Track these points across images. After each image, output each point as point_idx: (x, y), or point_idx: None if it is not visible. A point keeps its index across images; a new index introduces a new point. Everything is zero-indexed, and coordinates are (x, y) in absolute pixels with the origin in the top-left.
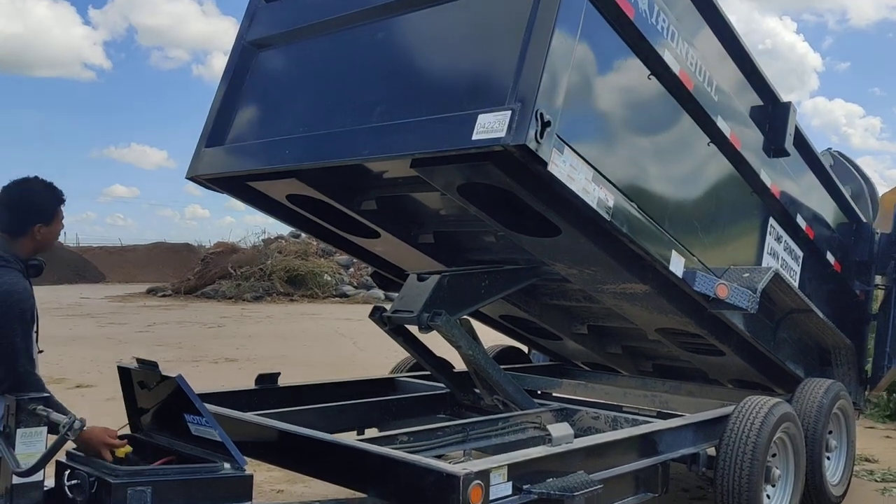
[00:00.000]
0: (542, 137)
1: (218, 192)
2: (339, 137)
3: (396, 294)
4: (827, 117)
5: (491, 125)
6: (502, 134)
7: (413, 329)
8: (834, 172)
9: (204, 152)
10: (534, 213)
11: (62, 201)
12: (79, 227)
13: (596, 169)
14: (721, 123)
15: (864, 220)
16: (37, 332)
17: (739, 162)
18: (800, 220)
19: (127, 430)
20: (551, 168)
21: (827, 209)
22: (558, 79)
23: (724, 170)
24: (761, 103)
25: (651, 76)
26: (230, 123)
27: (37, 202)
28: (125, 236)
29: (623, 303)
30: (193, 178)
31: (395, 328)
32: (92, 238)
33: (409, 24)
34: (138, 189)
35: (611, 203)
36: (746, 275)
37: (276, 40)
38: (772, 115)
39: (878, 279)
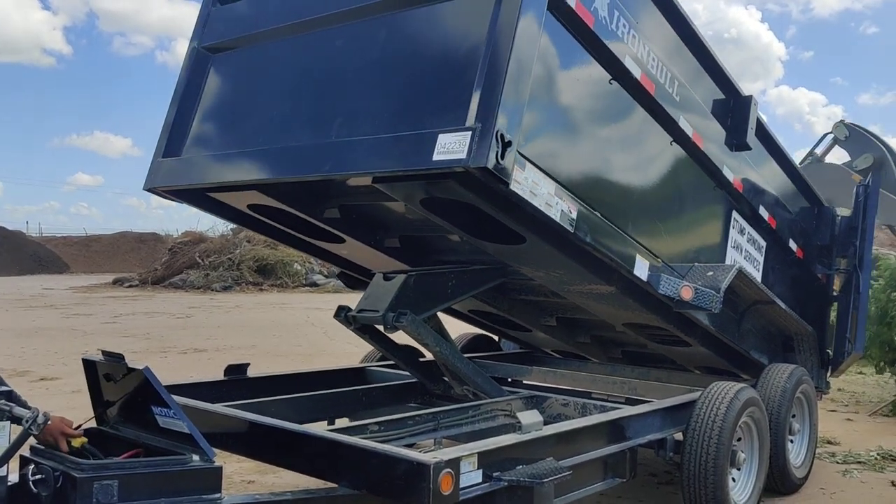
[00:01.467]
0: (503, 158)
1: (177, 202)
2: (299, 153)
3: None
4: (791, 105)
5: (451, 146)
6: (462, 156)
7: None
8: (851, 144)
9: (161, 163)
10: (498, 222)
11: None
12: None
13: (558, 182)
14: (683, 123)
15: (825, 204)
16: None
17: (702, 159)
18: (762, 211)
19: (93, 424)
20: (513, 186)
21: (789, 196)
22: (519, 95)
23: (687, 168)
24: (723, 97)
25: (612, 81)
26: (187, 133)
27: None
28: (90, 226)
29: (590, 301)
30: (151, 189)
31: (360, 327)
32: (55, 228)
33: (367, 32)
34: (102, 177)
35: (574, 214)
36: (710, 273)
37: (231, 45)
38: (733, 108)
39: (840, 262)
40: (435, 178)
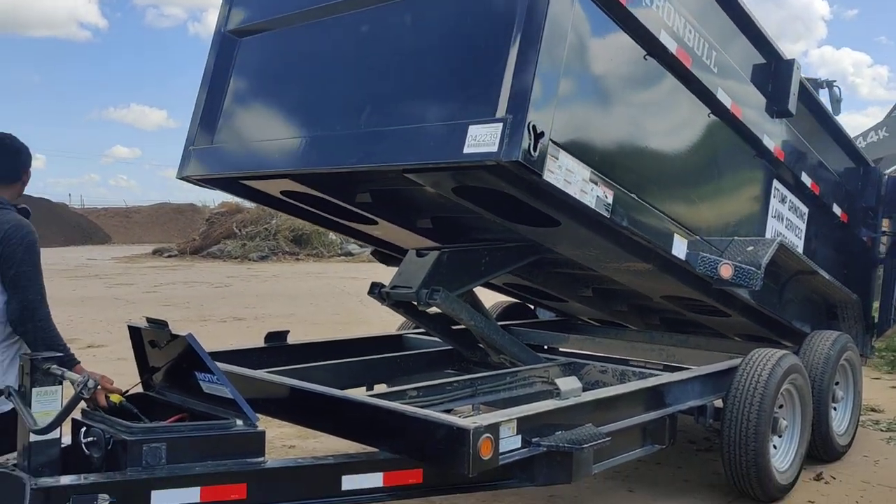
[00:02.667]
0: (535, 150)
1: (211, 189)
2: (328, 143)
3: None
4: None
5: (482, 138)
6: (494, 149)
7: None
8: None
9: (192, 152)
10: (531, 206)
11: None
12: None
13: (592, 167)
14: (721, 95)
15: (871, 164)
16: None
17: (741, 129)
18: (805, 178)
19: (139, 389)
20: (546, 176)
21: (833, 158)
22: (550, 83)
23: (726, 139)
24: (763, 61)
25: (647, 57)
26: (217, 120)
27: (25, 148)
28: (129, 197)
29: (626, 276)
30: (184, 178)
31: (394, 303)
32: (96, 200)
33: (392, 16)
34: (140, 150)
35: (609, 199)
36: (750, 248)
37: (257, 28)
38: (774, 73)
39: (886, 225)
40: (466, 169)
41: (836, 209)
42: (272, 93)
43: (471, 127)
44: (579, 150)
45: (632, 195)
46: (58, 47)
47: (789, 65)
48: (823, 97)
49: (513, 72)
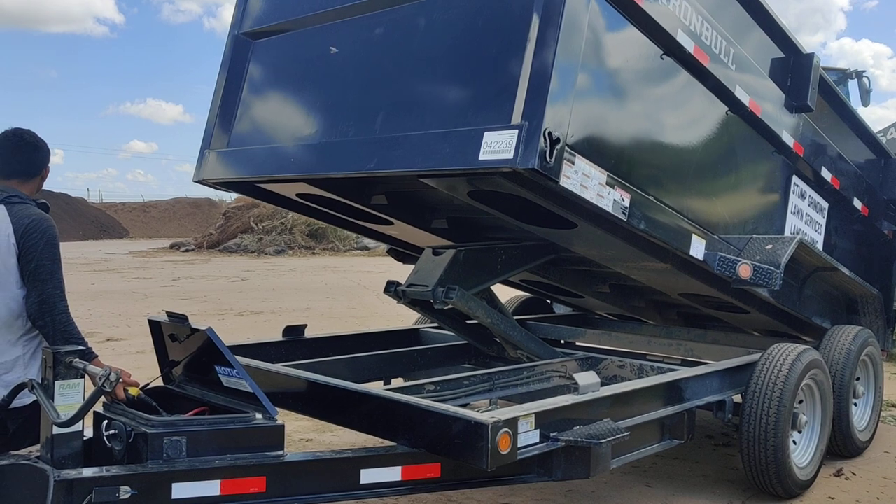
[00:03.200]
0: (551, 156)
1: (227, 191)
2: (343, 148)
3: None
4: (854, 58)
5: (498, 145)
6: (510, 156)
7: None
8: None
9: (208, 155)
10: (547, 209)
11: None
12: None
13: (609, 171)
14: (739, 92)
15: (892, 156)
16: None
17: (759, 126)
18: (825, 173)
19: (160, 383)
20: (563, 182)
21: (853, 151)
22: (566, 88)
23: (744, 136)
24: (782, 55)
25: (664, 56)
26: (232, 123)
27: (44, 144)
28: (146, 192)
29: (644, 274)
30: (201, 181)
31: (410, 301)
32: (114, 194)
33: (406, 19)
34: (156, 144)
35: (626, 202)
36: (769, 247)
37: (271, 30)
38: (793, 68)
39: None
40: (481, 175)
41: (857, 203)
42: (287, 96)
43: (486, 133)
44: (596, 154)
45: (649, 197)
46: (75, 42)
47: (809, 59)
48: (853, 88)
49: (528, 78)
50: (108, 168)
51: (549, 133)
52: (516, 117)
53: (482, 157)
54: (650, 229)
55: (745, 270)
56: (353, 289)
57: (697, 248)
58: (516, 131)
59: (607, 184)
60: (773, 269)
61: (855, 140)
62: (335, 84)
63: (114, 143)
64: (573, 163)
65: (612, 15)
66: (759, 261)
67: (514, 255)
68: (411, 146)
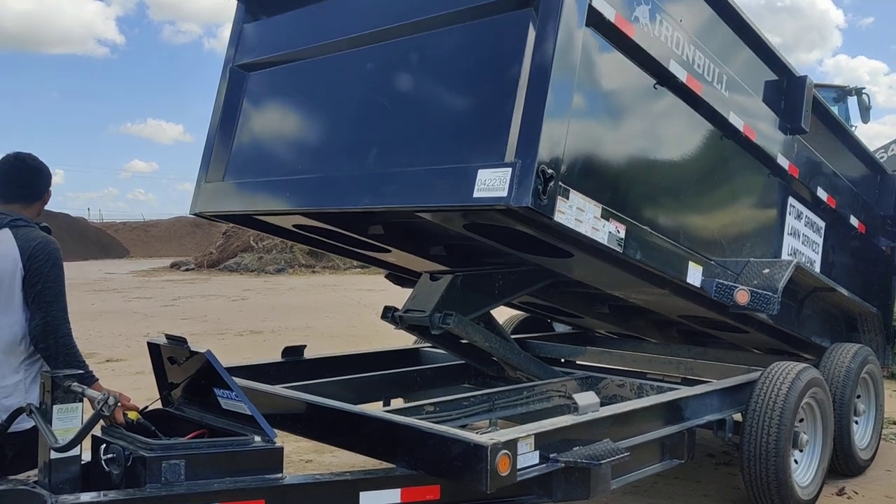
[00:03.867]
0: (544, 194)
1: (224, 223)
2: (337, 184)
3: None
4: (850, 75)
5: (492, 183)
6: (503, 194)
7: None
8: None
9: (204, 187)
10: (543, 241)
11: None
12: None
13: (604, 204)
14: (733, 118)
15: (888, 172)
16: None
17: (754, 150)
18: (821, 193)
19: (159, 405)
20: (557, 217)
21: (849, 169)
22: (559, 125)
23: (739, 161)
24: (775, 78)
25: (657, 86)
26: (228, 155)
27: (46, 168)
28: (147, 211)
29: (643, 297)
30: (198, 214)
31: (408, 326)
32: (115, 214)
33: (398, 55)
34: (157, 164)
35: (622, 234)
36: (766, 271)
37: (265, 63)
38: (787, 91)
39: None
40: (476, 211)
41: (854, 220)
42: (282, 129)
43: (480, 171)
44: (590, 188)
45: (644, 227)
46: (76, 63)
47: (801, 81)
48: (852, 105)
49: (521, 116)
50: (109, 187)
51: (543, 171)
52: (510, 155)
53: (476, 194)
54: (646, 259)
55: (742, 296)
56: (353, 307)
57: (694, 276)
58: (510, 170)
59: (602, 216)
60: (770, 293)
61: (850, 157)
62: (330, 118)
63: (114, 163)
64: (567, 197)
65: (605, 48)
66: (757, 286)
67: (512, 280)
68: (406, 182)
